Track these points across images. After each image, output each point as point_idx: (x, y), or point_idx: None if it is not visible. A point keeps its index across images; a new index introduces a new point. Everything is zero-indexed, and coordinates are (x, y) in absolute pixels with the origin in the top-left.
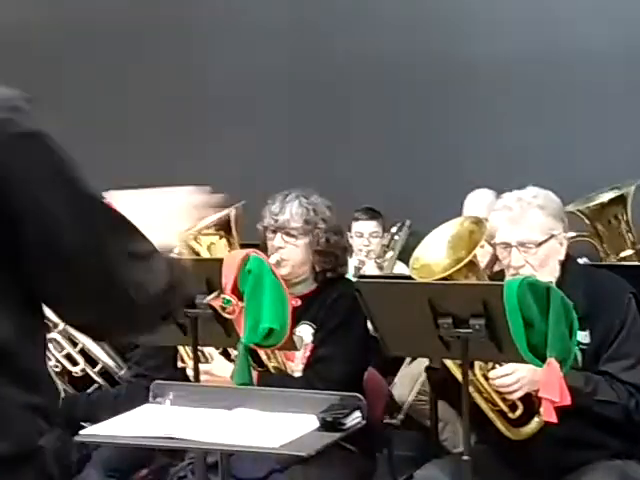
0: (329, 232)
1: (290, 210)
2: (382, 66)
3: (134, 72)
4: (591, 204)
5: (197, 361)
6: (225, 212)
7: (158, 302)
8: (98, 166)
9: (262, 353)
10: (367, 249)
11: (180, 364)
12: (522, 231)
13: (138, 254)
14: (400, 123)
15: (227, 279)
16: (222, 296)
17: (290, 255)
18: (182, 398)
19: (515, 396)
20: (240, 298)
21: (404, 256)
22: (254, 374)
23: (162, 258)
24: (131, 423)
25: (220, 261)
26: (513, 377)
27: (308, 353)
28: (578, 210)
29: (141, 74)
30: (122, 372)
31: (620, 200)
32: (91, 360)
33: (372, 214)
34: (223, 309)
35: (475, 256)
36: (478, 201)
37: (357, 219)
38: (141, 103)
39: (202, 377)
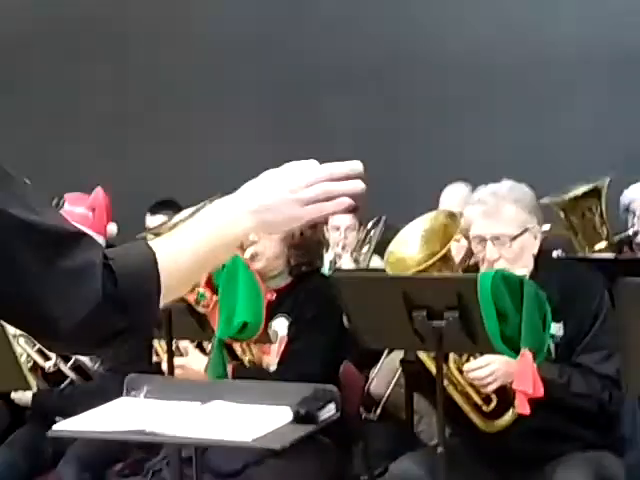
0: (304, 226)
1: None
2: (351, 60)
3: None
4: (566, 197)
5: (171, 355)
6: (200, 205)
7: (93, 321)
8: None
9: (237, 347)
10: (343, 242)
11: (155, 358)
12: (497, 225)
13: (65, 269)
14: (375, 118)
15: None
16: (197, 290)
17: (264, 249)
18: (156, 391)
19: (489, 389)
20: (214, 292)
21: (380, 249)
22: (229, 368)
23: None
24: (105, 417)
25: None
26: (487, 370)
27: (283, 346)
28: (553, 203)
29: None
30: (95, 366)
31: (594, 193)
32: (64, 355)
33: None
34: (197, 303)
35: (449, 250)
36: (453, 195)
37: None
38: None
39: (177, 371)
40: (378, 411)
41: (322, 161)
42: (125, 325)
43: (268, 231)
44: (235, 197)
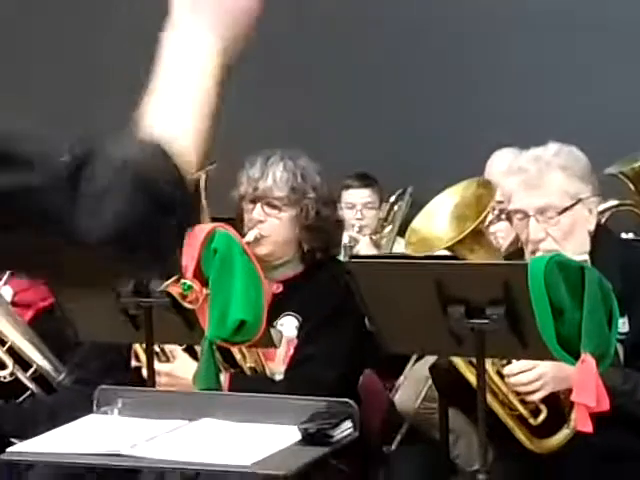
0: (320, 203)
1: (273, 175)
2: (382, 27)
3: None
4: (637, 165)
5: (151, 361)
6: (192, 178)
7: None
8: None
9: (235, 351)
10: (360, 223)
11: (134, 362)
12: (541, 197)
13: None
14: (398, 75)
15: (188, 260)
16: (182, 281)
17: (272, 231)
18: (133, 407)
19: (537, 397)
20: (204, 284)
21: (406, 232)
22: (224, 376)
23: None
24: (71, 437)
25: None
26: (533, 373)
27: (292, 351)
28: (621, 173)
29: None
30: (60, 377)
31: None
32: (23, 362)
33: (366, 181)
34: (183, 297)
35: (483, 224)
36: (502, 162)
37: (348, 187)
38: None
39: (161, 380)
40: (404, 430)
41: (341, 122)
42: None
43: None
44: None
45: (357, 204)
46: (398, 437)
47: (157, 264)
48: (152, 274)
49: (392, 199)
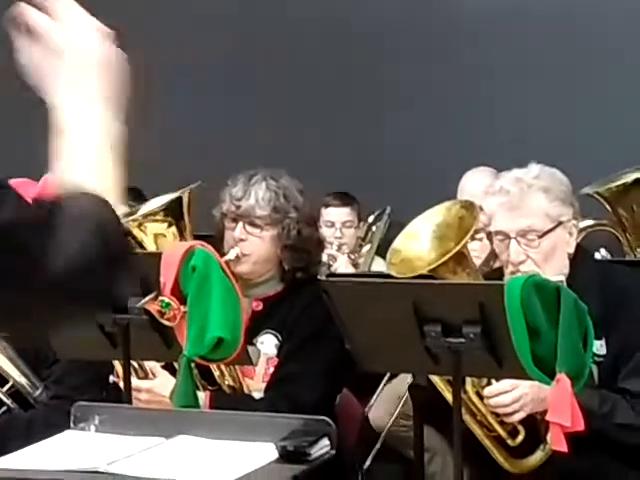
0: (302, 223)
1: (256, 194)
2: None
3: None
4: (613, 185)
5: (128, 378)
6: (176, 194)
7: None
8: None
9: (214, 368)
10: (339, 242)
11: (113, 378)
12: (522, 219)
13: None
14: (381, 90)
15: (166, 278)
16: (160, 298)
17: (253, 249)
18: (110, 423)
19: (515, 418)
20: (182, 301)
21: (384, 251)
22: (203, 395)
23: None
24: (48, 454)
25: (158, 255)
26: (513, 395)
27: (272, 369)
28: (597, 193)
29: None
30: (37, 393)
31: None
32: None
33: (345, 200)
34: (161, 314)
35: (466, 247)
36: (475, 183)
37: (327, 205)
38: None
39: (142, 396)
40: (378, 446)
41: (322, 141)
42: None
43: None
44: None
45: (336, 222)
46: (372, 453)
47: (107, 302)
48: (100, 311)
49: (371, 219)
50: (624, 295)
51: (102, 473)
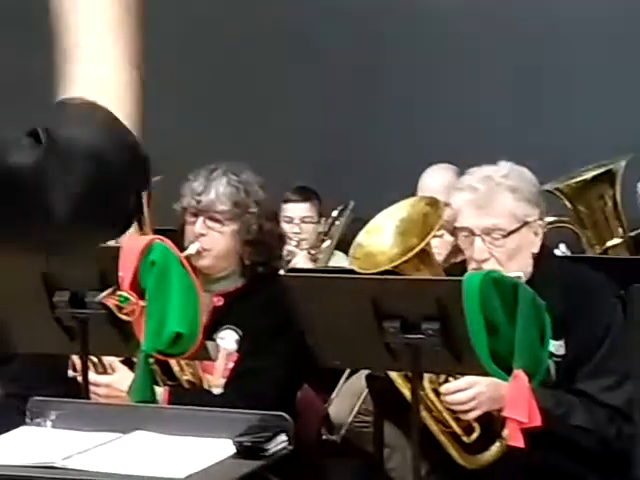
0: (262, 218)
1: (216, 189)
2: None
3: None
4: (572, 182)
5: (86, 373)
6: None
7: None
8: None
9: (173, 363)
10: (298, 237)
11: (71, 372)
12: (488, 217)
13: None
14: (340, 85)
15: (125, 272)
16: (118, 293)
17: (214, 244)
18: (66, 418)
19: (471, 416)
20: (141, 296)
21: (345, 247)
22: (162, 390)
23: None
24: (3, 449)
25: (117, 250)
26: (469, 393)
27: (232, 364)
28: (557, 189)
29: None
30: None
31: (607, 178)
32: None
33: (305, 195)
34: (119, 309)
35: (429, 244)
36: (436, 179)
37: (286, 200)
38: None
39: (100, 391)
40: (334, 437)
41: (282, 134)
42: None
43: None
44: None
45: (295, 218)
46: (333, 450)
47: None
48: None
49: (334, 214)
50: (585, 296)
51: (57, 468)
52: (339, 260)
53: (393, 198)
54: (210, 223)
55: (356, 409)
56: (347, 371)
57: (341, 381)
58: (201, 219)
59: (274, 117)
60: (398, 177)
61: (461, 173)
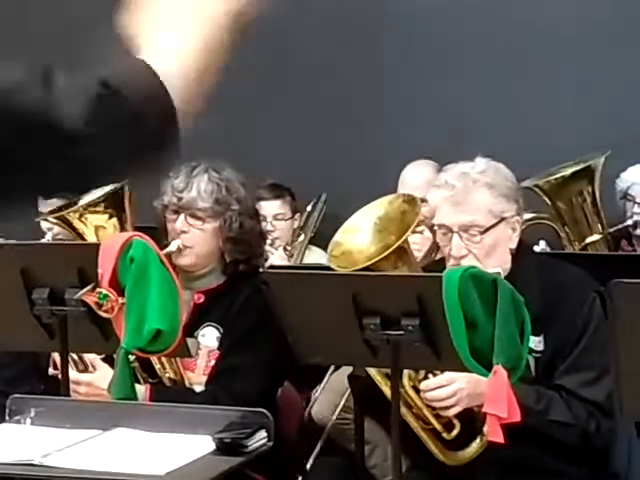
0: (243, 215)
1: (197, 186)
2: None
3: None
4: (552, 178)
5: (66, 370)
6: (117, 186)
7: None
8: None
9: (154, 361)
10: (272, 235)
11: (52, 370)
12: (465, 214)
13: None
14: (315, 79)
15: (104, 269)
16: (98, 290)
17: (195, 241)
18: (46, 416)
19: (451, 413)
20: (120, 293)
21: (320, 242)
22: (143, 387)
23: None
24: None
25: (96, 247)
26: (449, 389)
27: (213, 362)
28: (536, 186)
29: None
30: None
31: (586, 175)
32: None
33: (276, 192)
34: (99, 306)
35: (407, 242)
36: (417, 175)
37: (259, 198)
38: None
39: (81, 389)
40: (321, 442)
41: (256, 130)
42: None
43: None
44: None
45: (267, 216)
46: (317, 449)
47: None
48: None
49: (309, 208)
50: (563, 292)
51: (36, 465)
52: (316, 256)
53: (369, 195)
54: (191, 220)
55: (340, 406)
56: (330, 369)
57: (324, 380)
58: (182, 216)
59: (252, 114)
60: (376, 173)
61: (440, 169)
